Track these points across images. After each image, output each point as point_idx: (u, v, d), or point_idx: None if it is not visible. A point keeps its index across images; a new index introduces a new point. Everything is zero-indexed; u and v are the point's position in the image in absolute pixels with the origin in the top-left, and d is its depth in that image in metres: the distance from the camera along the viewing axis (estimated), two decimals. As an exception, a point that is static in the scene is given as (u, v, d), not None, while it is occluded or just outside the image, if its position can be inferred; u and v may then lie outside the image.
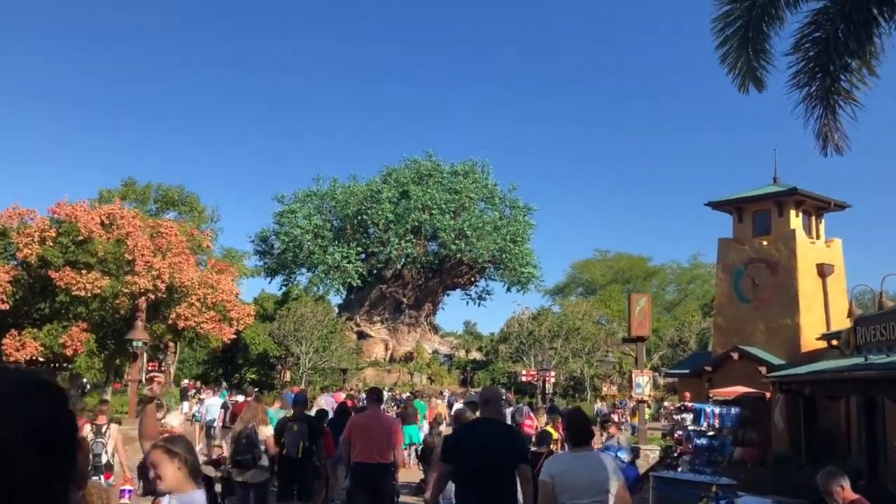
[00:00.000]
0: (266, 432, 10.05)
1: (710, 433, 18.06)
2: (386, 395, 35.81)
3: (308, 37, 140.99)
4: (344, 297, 62.01)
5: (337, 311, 58.49)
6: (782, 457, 21.07)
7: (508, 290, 61.70)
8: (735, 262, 25.91)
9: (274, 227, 61.25)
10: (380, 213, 57.24)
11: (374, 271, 60.15)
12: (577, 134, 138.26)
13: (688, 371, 26.31)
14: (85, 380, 38.60)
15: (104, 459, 10.39)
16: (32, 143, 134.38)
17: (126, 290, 18.56)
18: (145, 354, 23.87)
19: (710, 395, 18.52)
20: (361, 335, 59.60)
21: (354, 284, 58.26)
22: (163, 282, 19.14)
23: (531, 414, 21.04)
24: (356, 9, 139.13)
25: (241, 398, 21.57)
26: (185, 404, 23.14)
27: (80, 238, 19.12)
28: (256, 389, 26.73)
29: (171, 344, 34.21)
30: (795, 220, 25.36)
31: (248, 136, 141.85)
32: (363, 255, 59.81)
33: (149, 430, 5.76)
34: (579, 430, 5.69)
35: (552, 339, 44.79)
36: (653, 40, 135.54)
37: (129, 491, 10.16)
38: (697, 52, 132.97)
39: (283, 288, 59.15)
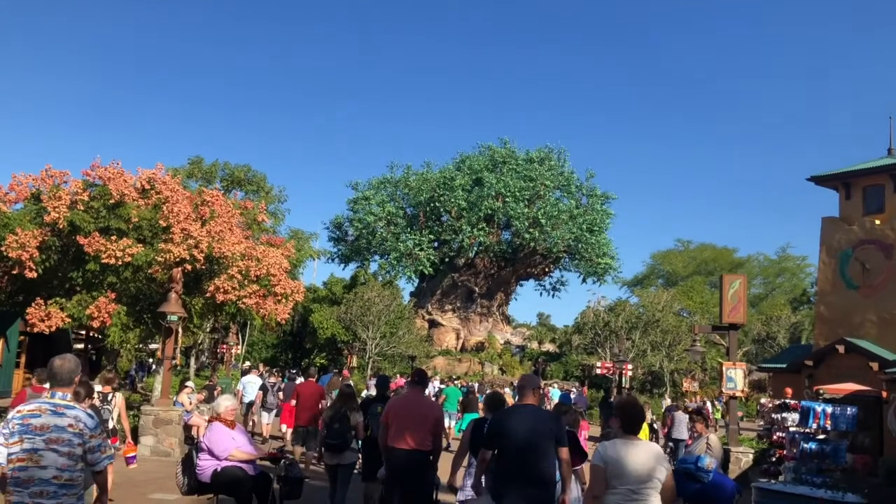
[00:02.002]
0: (357, 418, 10.24)
1: (821, 436, 14.86)
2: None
3: (386, 26, 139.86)
4: (416, 284, 59.99)
5: (408, 298, 56.39)
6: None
7: (584, 281, 58.56)
8: (842, 244, 22.38)
9: (348, 214, 59.80)
10: (452, 200, 54.84)
11: (447, 259, 57.90)
12: (659, 121, 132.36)
13: (784, 366, 22.90)
14: (151, 361, 37.49)
15: (111, 425, 11.01)
16: (125, 124, 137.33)
17: (160, 259, 16.39)
18: (191, 333, 21.83)
19: (820, 391, 15.23)
20: (433, 323, 57.42)
21: (426, 272, 56.13)
22: (201, 251, 16.99)
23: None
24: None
25: (299, 380, 20.83)
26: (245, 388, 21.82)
27: (112, 202, 17.15)
28: (347, 377, 25.21)
29: (232, 325, 32.49)
30: (915, 196, 21.69)
31: (325, 123, 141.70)
32: (435, 243, 57.62)
33: None
34: (631, 418, 5.57)
35: (630, 331, 41.38)
36: (735, 24, 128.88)
37: (134, 457, 10.83)
38: (785, 28, 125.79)
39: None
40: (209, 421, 9.22)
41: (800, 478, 14.77)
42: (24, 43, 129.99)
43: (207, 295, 17.89)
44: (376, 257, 58.19)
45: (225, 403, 9.04)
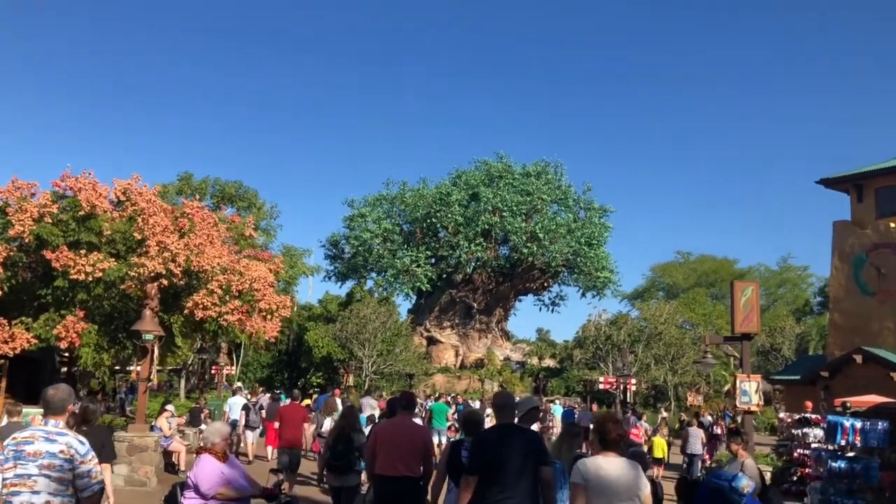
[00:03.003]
0: (360, 439, 9.96)
1: (851, 454, 13.50)
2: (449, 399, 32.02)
3: (379, 42, 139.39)
4: (413, 302, 58.63)
5: (406, 315, 55.00)
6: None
7: (583, 295, 57.17)
8: (855, 249, 21.11)
9: (344, 232, 58.49)
10: (449, 216, 53.60)
11: (444, 276, 56.59)
12: (656, 133, 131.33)
13: (798, 377, 21.52)
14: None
15: None
16: (103, 137, 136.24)
17: (133, 274, 15.06)
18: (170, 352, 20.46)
19: (847, 405, 13.87)
20: (431, 340, 55.99)
21: (424, 289, 54.78)
22: (178, 265, 15.68)
23: (638, 424, 20.12)
24: (428, 11, 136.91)
25: (285, 400, 20.14)
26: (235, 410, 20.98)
27: (83, 214, 15.86)
28: (347, 397, 24.21)
29: (223, 345, 31.13)
30: (931, 197, 20.46)
31: (320, 141, 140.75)
32: (433, 260, 56.31)
33: None
34: (608, 434, 5.33)
35: (632, 345, 39.95)
36: (733, 31, 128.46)
37: None
38: (785, 37, 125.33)
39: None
40: (197, 453, 7.75)
41: (828, 500, 13.44)
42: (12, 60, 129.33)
43: (186, 312, 16.53)
44: (373, 274, 56.86)
45: (215, 433, 7.52)
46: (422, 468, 7.82)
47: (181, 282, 16.62)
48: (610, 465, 5.18)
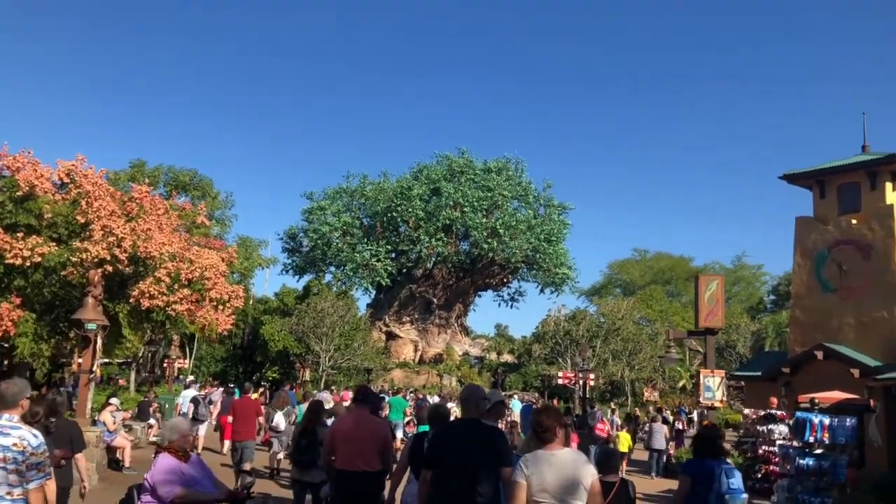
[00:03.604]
0: (325, 433, 9.35)
1: (818, 451, 13.13)
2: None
3: (341, 34, 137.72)
4: (373, 296, 57.76)
5: (365, 310, 54.11)
6: (886, 482, 15.80)
7: (542, 291, 56.95)
8: (817, 245, 20.91)
9: (302, 225, 57.33)
10: (410, 210, 52.82)
11: (404, 270, 55.83)
12: (614, 131, 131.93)
13: (759, 374, 21.26)
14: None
15: None
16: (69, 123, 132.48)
17: (76, 260, 14.02)
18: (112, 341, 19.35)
19: (815, 401, 13.50)
20: (390, 335, 55.18)
21: (384, 283, 53.96)
22: (124, 251, 14.66)
23: (604, 419, 20.06)
24: (388, 5, 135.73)
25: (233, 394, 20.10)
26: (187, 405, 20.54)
27: (20, 194, 14.75)
28: (287, 391, 23.69)
29: (175, 337, 29.98)
30: (892, 195, 20.31)
31: (280, 135, 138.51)
32: (393, 254, 55.50)
33: None
34: (545, 426, 5.11)
35: (590, 340, 39.67)
36: (691, 26, 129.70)
37: None
38: (742, 34, 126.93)
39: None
40: (155, 453, 6.79)
41: (795, 498, 13.06)
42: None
43: (132, 300, 15.52)
44: (332, 268, 55.78)
45: (172, 430, 6.55)
46: (381, 463, 7.64)
47: (127, 269, 15.61)
48: (551, 459, 4.97)
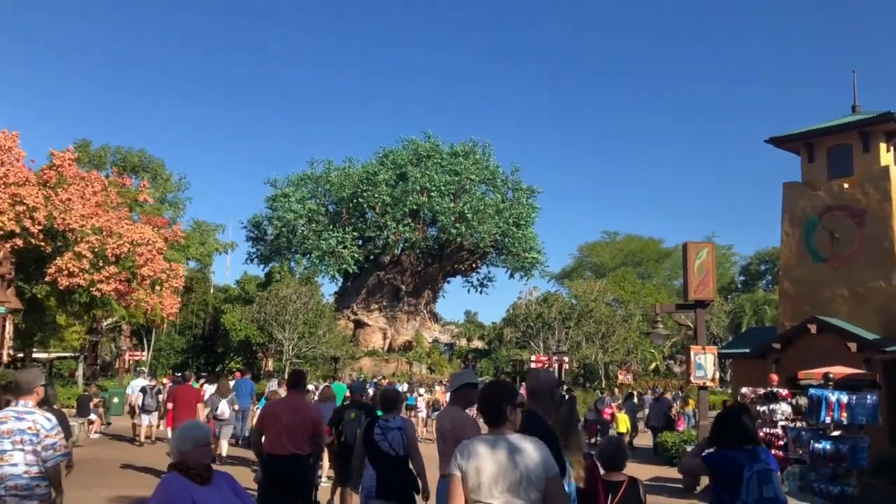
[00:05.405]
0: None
1: (835, 433, 11.36)
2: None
3: (302, 15, 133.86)
4: (340, 284, 55.52)
5: (331, 297, 51.89)
6: (889, 461, 14.14)
7: (511, 276, 55.28)
8: (806, 212, 19.20)
9: (266, 213, 54.85)
10: (376, 195, 50.67)
11: (371, 257, 53.68)
12: (581, 113, 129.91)
13: (747, 350, 19.54)
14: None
15: None
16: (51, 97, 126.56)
17: (-25, 232, 11.66)
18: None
19: (830, 376, 11.71)
20: (358, 323, 53.03)
21: (350, 271, 51.82)
22: (38, 222, 12.34)
23: (612, 403, 20.06)
24: None
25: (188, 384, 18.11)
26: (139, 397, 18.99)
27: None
28: (283, 377, 22.16)
29: (125, 326, 27.55)
30: (887, 156, 18.65)
31: (242, 121, 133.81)
32: (360, 241, 53.32)
33: None
34: (491, 407, 3.89)
35: (563, 322, 37.92)
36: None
37: None
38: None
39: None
40: (168, 469, 4.42)
41: (809, 487, 11.28)
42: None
43: (48, 279, 13.22)
44: (297, 256, 53.43)
45: (185, 440, 4.23)
46: (310, 447, 7.67)
47: (43, 244, 13.27)
48: (496, 448, 3.71)
